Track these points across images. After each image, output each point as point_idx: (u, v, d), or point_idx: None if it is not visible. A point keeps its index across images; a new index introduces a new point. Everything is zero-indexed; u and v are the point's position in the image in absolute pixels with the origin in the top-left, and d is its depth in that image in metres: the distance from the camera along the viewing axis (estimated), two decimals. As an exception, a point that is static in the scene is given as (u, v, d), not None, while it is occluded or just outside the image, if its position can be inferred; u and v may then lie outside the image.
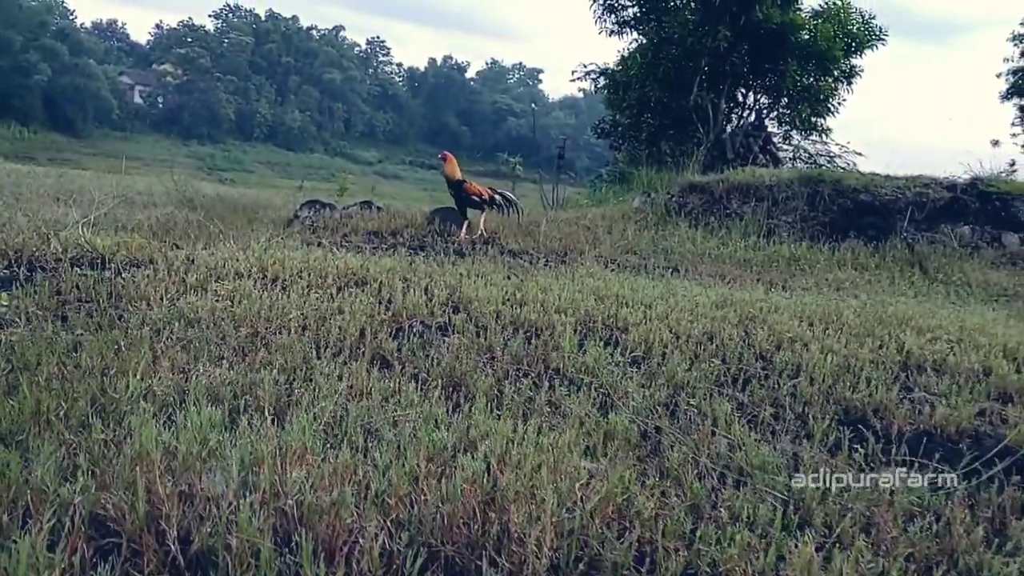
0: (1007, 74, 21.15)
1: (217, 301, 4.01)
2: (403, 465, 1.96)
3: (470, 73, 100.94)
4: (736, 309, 4.66)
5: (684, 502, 2.23)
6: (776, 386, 3.41)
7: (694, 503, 2.25)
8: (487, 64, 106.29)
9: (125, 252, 5.34)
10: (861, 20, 12.56)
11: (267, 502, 1.69)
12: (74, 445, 1.92)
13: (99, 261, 5.09)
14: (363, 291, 4.66)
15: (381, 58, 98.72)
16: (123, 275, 4.64)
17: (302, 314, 3.90)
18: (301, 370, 2.99)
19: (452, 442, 2.21)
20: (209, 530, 1.60)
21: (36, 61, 61.88)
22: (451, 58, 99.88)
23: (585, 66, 15.01)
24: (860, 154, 12.81)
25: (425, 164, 75.77)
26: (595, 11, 14.00)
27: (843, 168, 11.42)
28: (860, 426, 3.06)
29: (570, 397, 3.05)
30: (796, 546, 1.97)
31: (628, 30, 13.88)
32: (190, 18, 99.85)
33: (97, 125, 68.41)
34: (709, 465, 2.56)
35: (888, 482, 2.56)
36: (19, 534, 1.45)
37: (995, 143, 19.38)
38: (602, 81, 14.60)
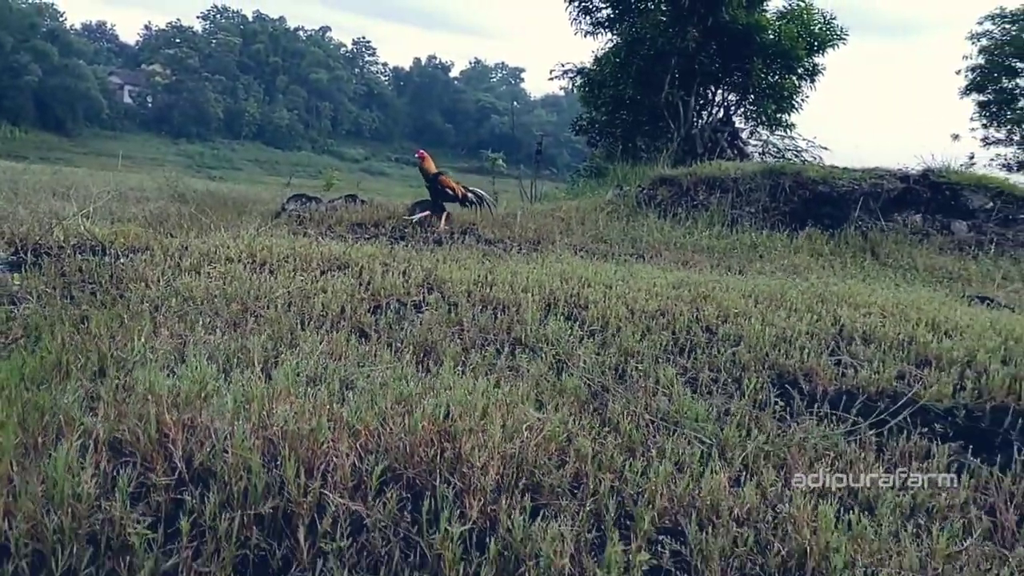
0: (966, 71, 21.92)
1: (210, 281, 4.33)
2: (373, 406, 2.30)
3: (454, 72, 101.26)
4: (690, 289, 5.03)
5: (620, 444, 2.58)
6: (718, 353, 3.78)
7: (629, 445, 2.61)
8: (470, 63, 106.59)
9: (123, 240, 5.63)
10: (823, 20, 13.12)
11: (256, 430, 2.03)
12: (92, 389, 2.24)
13: (99, 248, 5.38)
14: (345, 274, 4.99)
15: (367, 58, 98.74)
16: (122, 260, 4.95)
17: (288, 292, 4.22)
18: (287, 338, 3.31)
19: (418, 392, 2.55)
20: (209, 451, 1.93)
21: (27, 62, 61.80)
22: (435, 58, 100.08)
23: (563, 65, 15.44)
24: (826, 148, 13.34)
25: (410, 161, 75.72)
26: (571, 12, 14.43)
27: (810, 162, 11.87)
28: (789, 386, 3.44)
29: (529, 362, 3.40)
30: (711, 477, 2.33)
31: (603, 31, 14.32)
32: (178, 19, 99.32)
33: (87, 125, 68.24)
34: (647, 416, 2.91)
35: (806, 431, 2.94)
36: (55, 449, 1.77)
37: (955, 137, 20.13)
38: (579, 80, 15.02)
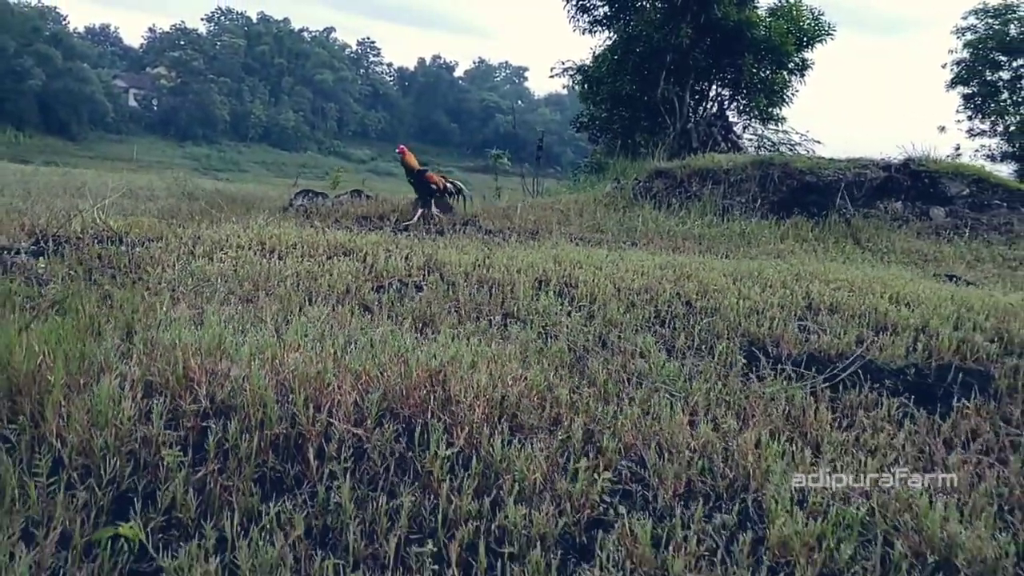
0: (951, 65, 22.31)
1: (223, 265, 4.65)
2: (373, 358, 2.61)
3: (458, 72, 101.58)
4: (675, 270, 5.32)
5: (595, 394, 2.88)
6: (694, 324, 4.07)
7: (604, 395, 2.90)
8: (474, 63, 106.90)
9: (137, 230, 5.95)
10: (812, 16, 13.44)
11: (270, 373, 2.33)
12: (122, 345, 2.55)
13: (114, 238, 5.70)
14: (350, 258, 5.29)
15: (372, 58, 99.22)
16: (138, 248, 5.27)
17: (296, 274, 4.53)
18: (295, 310, 3.62)
19: (414, 348, 2.85)
20: (229, 389, 2.23)
21: (30, 66, 62.14)
22: (439, 58, 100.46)
23: (563, 63, 15.74)
24: (819, 142, 13.63)
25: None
26: (568, 11, 14.74)
27: (804, 155, 12.13)
28: (757, 350, 3.72)
29: (519, 331, 3.69)
30: (673, 418, 2.63)
31: (600, 28, 14.63)
32: (182, 21, 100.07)
33: (92, 128, 68.59)
34: (623, 374, 3.20)
35: (770, 386, 3.22)
36: (96, 385, 2.08)
37: (941, 129, 20.57)
38: (578, 77, 15.32)
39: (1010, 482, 2.51)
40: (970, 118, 22.80)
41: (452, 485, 1.98)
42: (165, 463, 1.86)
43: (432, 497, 1.92)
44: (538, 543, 1.76)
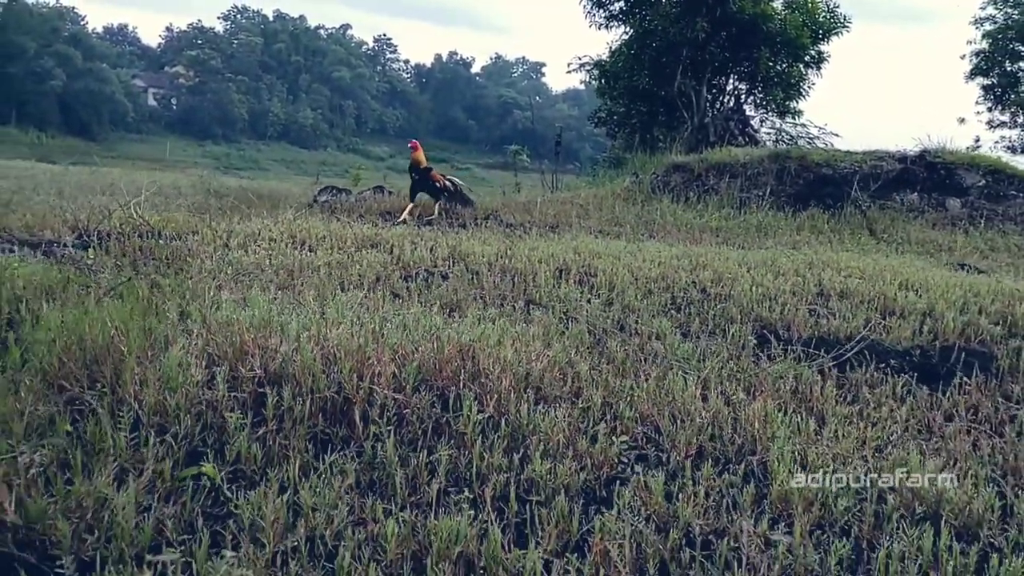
0: (970, 55, 22.07)
1: (258, 256, 4.90)
2: (408, 335, 2.83)
3: (475, 68, 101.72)
4: (691, 260, 5.49)
5: (613, 370, 3.07)
6: (709, 309, 4.24)
7: (622, 371, 3.10)
8: (491, 59, 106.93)
9: (173, 225, 6.23)
10: (827, 9, 13.44)
11: (316, 346, 2.56)
12: (180, 324, 2.79)
13: (152, 233, 5.99)
14: (377, 250, 5.53)
15: (388, 55, 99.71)
16: (175, 241, 5.54)
17: (328, 264, 4.77)
18: (331, 297, 3.85)
19: (444, 327, 3.07)
20: (280, 361, 2.46)
21: (51, 67, 63.07)
22: (456, 54, 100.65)
23: (580, 59, 15.87)
24: (837, 135, 13.65)
25: (436, 158, 76.76)
26: (585, 6, 14.87)
27: (820, 148, 12.18)
28: (767, 333, 3.90)
29: (541, 315, 3.89)
30: (686, 391, 2.82)
31: (616, 23, 14.73)
32: (199, 20, 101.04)
33: (113, 128, 69.50)
34: (640, 354, 3.39)
35: (779, 364, 3.40)
36: (165, 354, 2.32)
37: (961, 120, 20.28)
38: (595, 72, 15.46)
39: (1004, 450, 2.67)
40: (990, 109, 22.59)
41: (484, 444, 2.19)
42: (229, 423, 2.09)
43: (466, 454, 2.13)
44: (562, 492, 1.97)
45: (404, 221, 8.28)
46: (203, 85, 77.40)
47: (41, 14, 67.95)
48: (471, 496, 1.91)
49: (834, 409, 2.92)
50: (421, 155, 9.04)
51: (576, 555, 1.71)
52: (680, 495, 2.04)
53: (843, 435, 2.61)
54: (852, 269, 5.10)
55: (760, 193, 8.99)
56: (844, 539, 1.90)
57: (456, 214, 9.07)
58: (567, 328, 3.66)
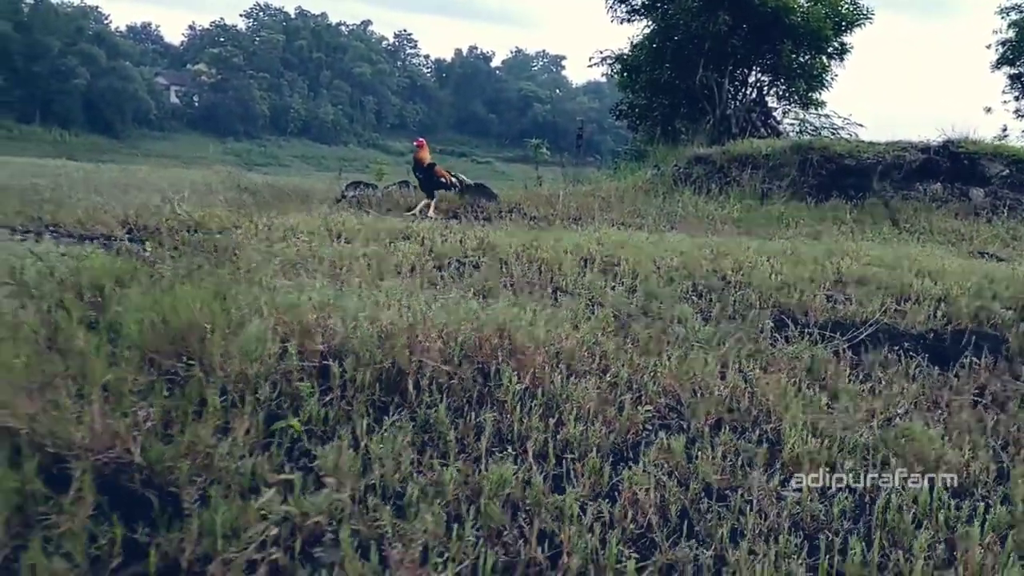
0: (996, 45, 21.74)
1: (299, 248, 5.20)
2: (450, 316, 3.09)
3: (495, 62, 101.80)
4: (712, 249, 5.68)
5: (638, 349, 3.31)
6: (729, 295, 4.45)
7: (646, 351, 3.33)
8: (511, 53, 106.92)
9: (216, 221, 6.57)
10: (850, 1, 13.41)
11: (371, 325, 2.83)
12: (247, 307, 3.08)
13: (195, 227, 6.33)
14: (410, 241, 5.80)
15: (409, 50, 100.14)
16: (219, 235, 5.87)
17: (365, 255, 5.05)
18: (373, 283, 4.13)
19: (481, 311, 3.32)
20: (340, 338, 2.74)
21: (74, 65, 64.17)
22: (476, 48, 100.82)
23: (601, 52, 16.01)
24: (861, 125, 13.65)
25: (456, 152, 77.13)
26: (607, 1, 15.01)
27: (843, 138, 12.23)
28: (785, 317, 4.10)
29: (569, 301, 4.14)
30: (706, 368, 3.04)
31: (638, 17, 14.85)
32: (222, 18, 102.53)
33: (136, 126, 70.56)
34: (663, 336, 3.62)
35: (795, 345, 3.60)
36: (243, 330, 2.60)
37: (987, 110, 19.97)
38: (617, 66, 15.59)
39: (1006, 423, 2.86)
40: (1017, 98, 22.25)
41: (523, 410, 2.45)
42: (300, 390, 2.37)
43: (507, 418, 2.39)
44: (594, 450, 2.22)
45: (430, 216, 8.51)
46: (225, 82, 78.37)
47: (66, 13, 69.17)
48: (514, 453, 2.17)
49: (846, 386, 3.13)
50: (426, 153, 9.06)
51: (607, 500, 1.96)
52: (699, 455, 2.27)
53: (854, 408, 2.83)
54: (871, 258, 5.26)
55: (782, 184, 9.12)
56: (848, 493, 2.13)
57: (481, 207, 9.32)
58: (593, 313, 3.89)
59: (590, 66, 20.37)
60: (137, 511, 1.71)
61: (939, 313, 4.09)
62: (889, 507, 2.05)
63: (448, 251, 5.46)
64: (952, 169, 8.75)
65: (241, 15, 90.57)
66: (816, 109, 14.09)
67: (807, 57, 13.78)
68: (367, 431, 2.19)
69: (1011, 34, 21.02)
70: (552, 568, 1.66)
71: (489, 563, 1.60)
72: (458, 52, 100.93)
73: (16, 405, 1.88)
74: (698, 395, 2.77)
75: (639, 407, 2.58)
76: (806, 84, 13.82)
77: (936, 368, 3.45)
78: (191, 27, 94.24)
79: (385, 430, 2.17)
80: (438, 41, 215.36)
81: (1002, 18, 21.36)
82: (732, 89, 13.32)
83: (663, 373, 2.95)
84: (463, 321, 3.03)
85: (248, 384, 2.33)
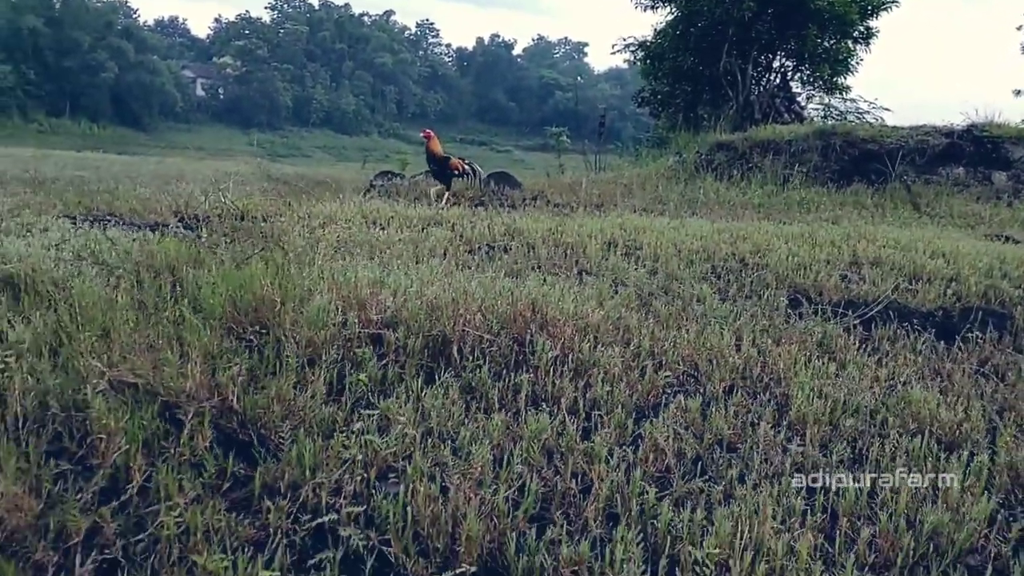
0: None
1: (339, 234, 5.54)
2: (487, 292, 3.39)
3: (517, 50, 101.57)
4: (732, 233, 5.91)
5: (659, 323, 3.58)
6: (747, 276, 4.69)
7: (666, 325, 3.60)
8: (533, 40, 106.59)
9: (259, 209, 6.95)
10: (876, -16, 13.40)
11: (419, 299, 3.14)
12: (308, 284, 3.41)
13: (240, 215, 6.70)
14: (441, 227, 6.12)
15: (431, 39, 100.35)
16: (263, 223, 6.23)
17: (401, 240, 5.37)
18: (412, 266, 4.45)
19: (513, 289, 3.62)
20: (390, 311, 3.06)
21: (104, 60, 65.48)
22: (498, 36, 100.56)
23: (624, 39, 16.12)
24: (888, 109, 13.64)
25: (476, 141, 77.36)
26: (630, -13, 15.09)
27: (866, 123, 12.25)
28: (800, 296, 4.33)
29: (594, 281, 4.41)
30: (722, 340, 3.31)
31: (661, 4, 14.93)
32: (247, 11, 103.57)
33: (162, 118, 71.82)
34: (683, 313, 3.89)
35: (807, 321, 3.85)
36: (308, 303, 2.93)
37: (1017, 93, 19.61)
38: (640, 53, 15.70)
39: (1004, 391, 3.09)
40: (1048, 81, 21.89)
41: (555, 374, 2.74)
42: (360, 355, 2.69)
43: (542, 380, 2.69)
44: (619, 407, 2.51)
45: (448, 201, 8.75)
46: (249, 74, 79.32)
47: (96, 8, 70.44)
48: (548, 409, 2.47)
49: (854, 358, 3.37)
50: (437, 145, 9.20)
51: (631, 447, 2.25)
52: (713, 413, 2.55)
53: (859, 376, 3.07)
54: (887, 240, 5.45)
55: (804, 170, 9.26)
56: (847, 446, 2.39)
57: (505, 196, 9.60)
58: (617, 291, 4.17)
59: (613, 53, 20.50)
60: (238, 448, 2.05)
61: (949, 292, 4.29)
62: (882, 456, 2.31)
63: (478, 236, 5.77)
64: (975, 153, 8.82)
65: (266, 7, 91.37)
66: (841, 94, 14.11)
67: (832, 42, 13.79)
68: (420, 388, 2.51)
69: (1042, 14, 20.63)
70: (584, 497, 1.96)
71: (533, 489, 1.91)
72: (479, 40, 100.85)
73: (132, 363, 2.23)
74: (714, 363, 3.04)
75: (659, 372, 2.86)
76: (831, 69, 13.84)
77: (943, 343, 3.67)
78: (217, 20, 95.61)
79: (436, 388, 2.48)
80: (460, 29, 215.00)
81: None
82: (756, 75, 13.39)
83: (682, 344, 3.22)
84: (499, 297, 3.34)
85: (316, 349, 2.66)
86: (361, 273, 3.44)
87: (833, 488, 2.12)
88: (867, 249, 5.18)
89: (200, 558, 1.58)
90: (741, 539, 1.70)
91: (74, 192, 7.87)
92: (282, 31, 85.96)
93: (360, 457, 1.98)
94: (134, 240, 4.52)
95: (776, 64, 14.19)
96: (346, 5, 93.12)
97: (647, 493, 1.95)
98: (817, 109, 14.16)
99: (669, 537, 1.76)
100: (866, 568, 1.73)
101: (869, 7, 13.46)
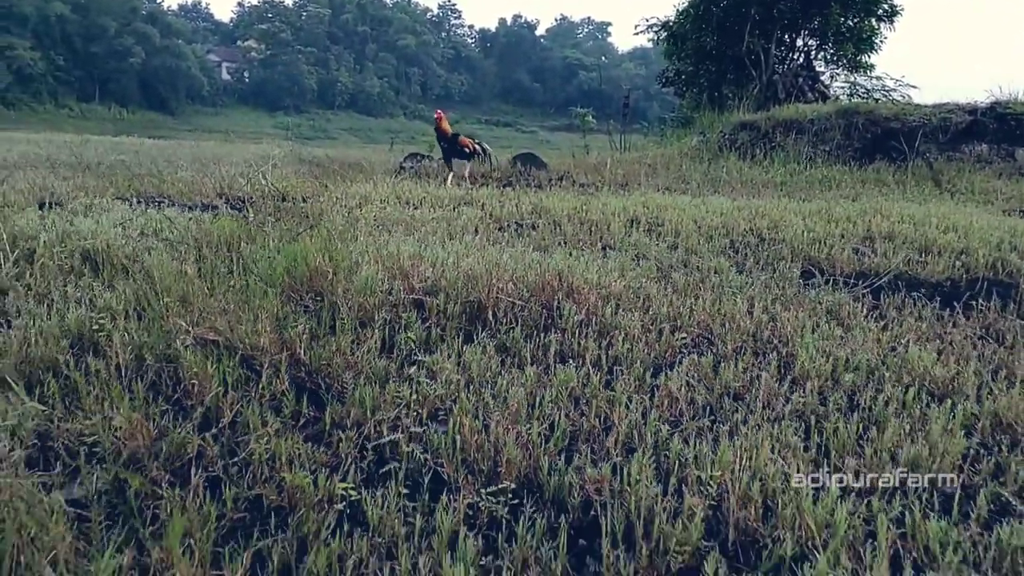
0: None
1: (374, 213, 5.87)
2: (517, 264, 3.69)
3: (540, 30, 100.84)
4: (751, 210, 6.12)
5: (677, 292, 3.85)
6: (763, 250, 4.92)
7: (684, 294, 3.87)
8: (556, 20, 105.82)
9: (297, 191, 7.31)
10: (901, -39, 13.25)
11: (456, 270, 3.45)
12: (356, 257, 3.74)
13: (280, 196, 7.07)
14: (471, 207, 6.42)
15: (453, 21, 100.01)
16: (302, 203, 6.58)
17: (434, 219, 5.69)
18: (446, 239, 4.76)
19: (541, 261, 3.91)
20: (431, 280, 3.37)
21: (130, 45, 66.56)
22: (520, 16, 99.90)
23: (647, 19, 16.15)
24: (914, 87, 13.56)
25: (500, 122, 77.37)
26: (652, -33, 15.07)
27: (889, 101, 12.21)
28: (813, 268, 4.56)
29: (616, 255, 4.68)
30: (736, 306, 3.57)
31: (683, -17, 14.94)
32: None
33: (189, 102, 72.92)
34: (700, 284, 4.14)
35: (818, 289, 4.08)
36: (357, 273, 3.25)
37: None
38: (663, 33, 15.73)
39: (1001, 352, 3.31)
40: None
41: (580, 334, 3.04)
42: (405, 319, 3.01)
43: (568, 340, 2.98)
44: (638, 363, 2.80)
45: (457, 184, 9.00)
46: (274, 58, 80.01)
47: (121, -7, 71.38)
48: (574, 364, 2.77)
49: (861, 323, 3.61)
50: (446, 124, 9.51)
51: (648, 395, 2.55)
52: (724, 369, 2.82)
53: (863, 339, 3.32)
54: (902, 215, 5.62)
55: (827, 148, 9.35)
56: (844, 396, 2.65)
57: (531, 176, 9.86)
58: (638, 264, 4.44)
59: (635, 34, 20.44)
60: (308, 394, 2.39)
61: (958, 264, 4.48)
62: (875, 404, 2.57)
63: (506, 215, 6.06)
64: (999, 130, 8.84)
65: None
66: (865, 72, 14.05)
67: (856, 20, 13.73)
68: (461, 347, 2.82)
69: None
70: (606, 434, 2.26)
71: (562, 426, 2.21)
72: (502, 21, 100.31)
73: (211, 322, 2.57)
74: (727, 327, 3.30)
75: (676, 335, 3.14)
76: (854, 48, 13.79)
77: (948, 311, 3.88)
78: (240, 4, 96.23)
79: (474, 346, 2.80)
80: (482, 10, 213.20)
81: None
82: (779, 54, 13.38)
83: (698, 310, 3.49)
84: (528, 268, 3.64)
85: (367, 312, 2.99)
86: (402, 247, 3.76)
87: (828, 431, 2.39)
88: (881, 224, 5.36)
89: (288, 475, 1.92)
90: (740, 465, 1.99)
91: (123, 175, 8.31)
92: (304, 14, 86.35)
93: (413, 398, 2.30)
94: (190, 219, 4.89)
95: (799, 43, 14.16)
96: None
97: (661, 430, 2.25)
98: (843, 87, 14.14)
99: (679, 463, 2.05)
100: (849, 491, 2.01)
101: (894, -15, 13.40)
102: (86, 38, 65.15)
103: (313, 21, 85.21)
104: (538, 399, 2.40)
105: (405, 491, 1.89)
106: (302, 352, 2.50)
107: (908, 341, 3.32)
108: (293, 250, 3.37)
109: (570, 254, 4.53)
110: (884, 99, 13.24)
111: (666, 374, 2.73)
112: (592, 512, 1.87)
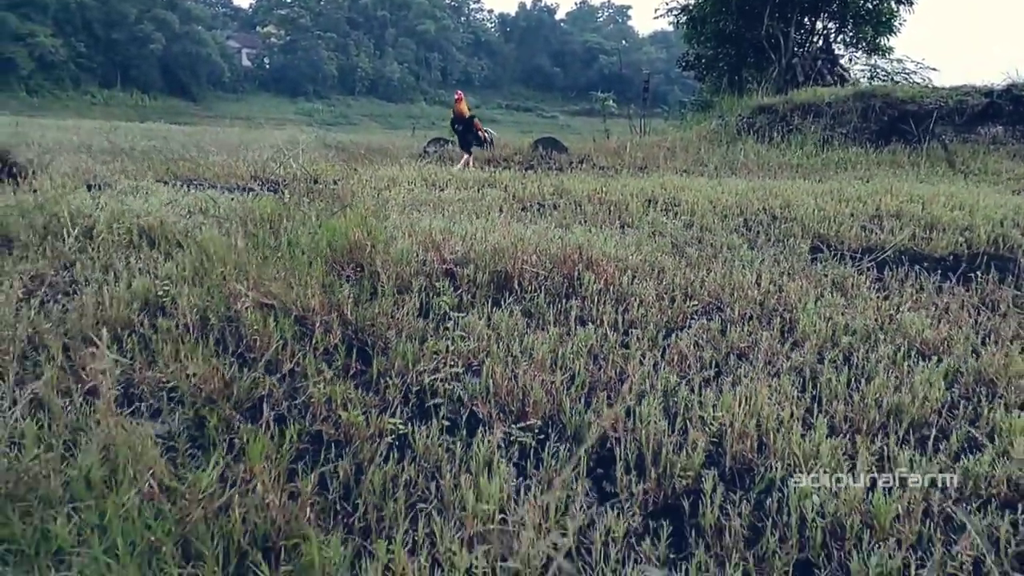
0: None
1: (403, 194, 6.16)
2: (540, 238, 3.96)
3: (559, 15, 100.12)
4: (765, 191, 6.31)
5: (690, 265, 4.10)
6: (774, 228, 5.13)
7: (696, 266, 4.11)
8: (576, 4, 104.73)
9: (327, 174, 7.63)
10: (920, -56, 13.16)
11: (484, 243, 3.73)
12: (391, 232, 4.04)
13: (312, 179, 7.39)
14: (495, 188, 6.69)
15: (472, 5, 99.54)
16: (332, 186, 6.90)
17: (460, 200, 5.97)
18: (472, 217, 5.04)
19: (562, 236, 4.18)
20: (461, 253, 3.65)
21: (151, 31, 66.90)
22: (540, 1, 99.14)
23: (667, 4, 16.19)
24: (935, 69, 13.56)
25: (521, 107, 77.28)
26: (670, -49, 15.12)
27: (906, 84, 12.20)
28: (821, 244, 4.77)
29: (634, 232, 4.93)
30: (745, 278, 3.81)
31: (702, -33, 14.95)
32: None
33: (210, 88, 73.31)
34: (713, 259, 4.38)
35: (827, 267, 4.30)
36: (393, 246, 3.55)
37: None
38: (683, 17, 15.79)
39: (995, 320, 3.52)
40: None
41: (599, 301, 3.31)
42: (439, 287, 3.30)
43: (588, 306, 3.26)
44: (651, 324, 3.06)
45: (469, 164, 9.20)
46: (293, 43, 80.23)
47: (140, -20, 71.73)
48: (593, 326, 3.04)
49: (863, 293, 3.83)
50: (464, 105, 9.63)
51: (660, 353, 2.82)
52: (730, 332, 3.08)
53: (863, 307, 3.54)
54: (912, 195, 5.79)
55: (844, 131, 9.46)
56: (840, 354, 2.90)
57: (552, 159, 10.10)
58: (654, 240, 4.69)
59: (656, 18, 20.44)
60: (357, 350, 2.69)
61: (961, 240, 4.67)
62: (867, 361, 2.81)
63: (529, 196, 6.32)
64: (1015, 112, 8.89)
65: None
66: (883, 55, 14.04)
67: (875, 2, 13.69)
68: (490, 310, 3.11)
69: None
70: (620, 383, 2.54)
71: (581, 377, 2.49)
72: (522, 5, 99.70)
73: (266, 288, 2.89)
74: (735, 296, 3.55)
75: (687, 302, 3.40)
76: (873, 30, 13.77)
77: (948, 283, 4.09)
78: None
79: (502, 311, 3.08)
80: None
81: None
82: (798, 38, 13.40)
83: (709, 281, 3.74)
84: (551, 242, 3.91)
85: (404, 280, 3.29)
86: (433, 223, 4.05)
87: (822, 382, 2.64)
88: (890, 203, 5.53)
89: (344, 414, 2.22)
90: (741, 407, 2.26)
91: (159, 160, 8.69)
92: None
93: (451, 351, 2.60)
94: (231, 199, 5.22)
95: (819, 26, 14.16)
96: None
97: (670, 381, 2.52)
98: (864, 70, 14.12)
99: (685, 406, 2.33)
100: (836, 432, 2.27)
101: (910, -32, 13.33)
102: (107, 24, 65.83)
103: (332, 6, 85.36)
104: (560, 354, 2.68)
105: (447, 424, 2.19)
106: (349, 313, 2.80)
107: (907, 310, 3.54)
108: (333, 225, 3.68)
109: (590, 231, 4.79)
110: (903, 82, 13.22)
111: (677, 335, 3.00)
112: (608, 445, 2.15)
